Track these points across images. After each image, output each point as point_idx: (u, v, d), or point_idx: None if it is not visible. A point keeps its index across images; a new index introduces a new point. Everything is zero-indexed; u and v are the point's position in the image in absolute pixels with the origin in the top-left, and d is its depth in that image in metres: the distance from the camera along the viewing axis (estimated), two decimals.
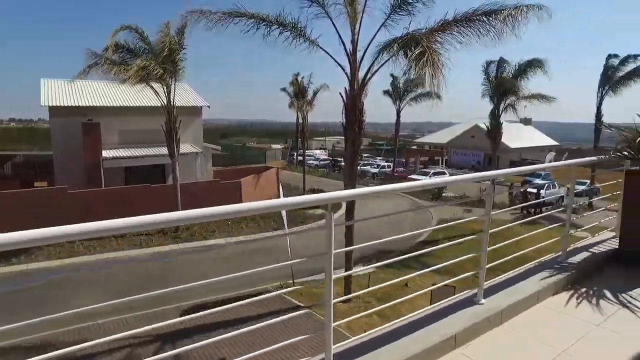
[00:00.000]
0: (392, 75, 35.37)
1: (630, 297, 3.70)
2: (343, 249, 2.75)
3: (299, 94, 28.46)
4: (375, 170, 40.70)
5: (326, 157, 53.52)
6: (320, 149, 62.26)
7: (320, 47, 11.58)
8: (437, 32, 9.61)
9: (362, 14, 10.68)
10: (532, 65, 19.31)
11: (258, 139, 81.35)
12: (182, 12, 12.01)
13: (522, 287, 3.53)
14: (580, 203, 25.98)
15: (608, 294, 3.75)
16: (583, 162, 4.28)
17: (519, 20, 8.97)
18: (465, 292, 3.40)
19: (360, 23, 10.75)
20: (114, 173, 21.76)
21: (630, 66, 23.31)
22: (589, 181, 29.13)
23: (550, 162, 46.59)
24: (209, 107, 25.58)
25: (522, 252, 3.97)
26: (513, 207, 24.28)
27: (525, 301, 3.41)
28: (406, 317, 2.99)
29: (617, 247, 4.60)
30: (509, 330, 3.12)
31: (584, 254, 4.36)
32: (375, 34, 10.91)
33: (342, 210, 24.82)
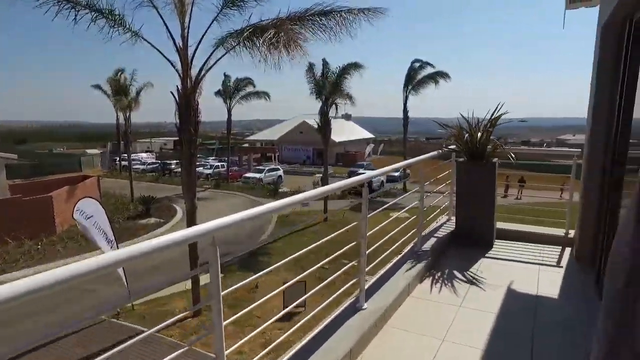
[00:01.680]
0: (225, 74, 34.80)
1: (473, 273, 4.17)
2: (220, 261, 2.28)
3: (120, 92, 25.33)
4: (209, 171, 39.36)
5: (154, 160, 49.45)
6: (147, 151, 57.16)
7: (145, 40, 10.35)
8: (274, 27, 9.52)
9: (192, 5, 9.90)
10: (352, 67, 21.28)
11: (70, 143, 70.07)
12: None
13: (394, 283, 3.62)
14: (397, 187, 29.87)
15: (457, 274, 4.16)
16: (429, 157, 4.67)
17: (350, 21, 9.55)
18: (346, 302, 3.28)
19: (190, 16, 9.95)
20: None
21: (426, 71, 27.93)
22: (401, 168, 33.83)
23: (369, 152, 52.48)
24: None
25: (390, 248, 4.11)
26: (354, 200, 26.37)
27: (400, 296, 3.50)
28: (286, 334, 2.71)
29: (453, 228, 5.21)
30: (394, 330, 3.13)
31: (432, 240, 4.78)
32: (208, 29, 10.27)
33: (178, 217, 23.32)
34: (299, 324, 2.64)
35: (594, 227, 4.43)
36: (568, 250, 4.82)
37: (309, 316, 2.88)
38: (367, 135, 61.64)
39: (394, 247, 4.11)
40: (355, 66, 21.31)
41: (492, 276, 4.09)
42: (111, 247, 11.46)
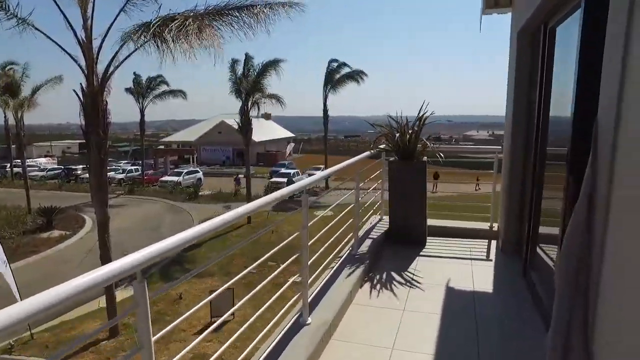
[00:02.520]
0: (135, 73, 32.55)
1: (411, 273, 4.17)
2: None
3: (9, 89, 22.38)
4: (122, 176, 36.63)
5: (55, 165, 44.79)
6: (46, 156, 51.54)
7: (36, 29, 9.14)
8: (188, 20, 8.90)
9: None
10: (273, 65, 20.94)
11: None
12: None
13: (336, 292, 3.46)
14: (320, 186, 30.13)
15: (396, 276, 4.12)
16: (363, 157, 4.59)
17: (268, 16, 9.26)
18: (290, 318, 3.05)
19: (94, 5, 8.96)
20: None
21: (343, 71, 28.52)
22: (323, 166, 34.25)
23: (290, 151, 52.43)
24: None
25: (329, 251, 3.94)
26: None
27: (343, 306, 3.34)
28: None
29: (387, 228, 5.21)
30: (341, 344, 2.97)
31: (368, 241, 4.71)
32: (114, 21, 9.33)
33: (87, 228, 21.25)
34: (232, 339, 2.31)
35: (517, 220, 4.67)
36: (494, 243, 5.04)
37: (243, 327, 2.57)
38: (287, 134, 61.61)
39: (333, 252, 3.97)
40: (276, 63, 21.01)
41: (430, 275, 4.11)
42: (6, 267, 9.98)
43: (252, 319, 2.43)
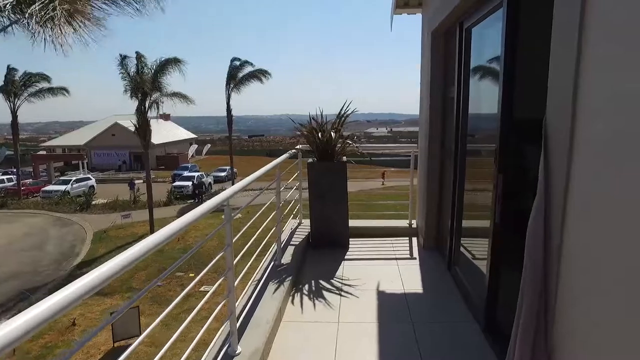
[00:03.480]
0: (9, 67, 28.28)
1: (339, 280, 3.99)
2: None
3: None
4: None
5: None
6: None
7: None
8: None
9: None
10: (172, 62, 19.55)
11: None
12: None
13: (264, 311, 3.11)
14: (225, 187, 29.09)
15: (325, 284, 3.91)
16: (284, 159, 4.30)
17: None
18: (216, 347, 2.64)
19: None
20: None
21: (246, 69, 27.76)
22: (228, 167, 33.23)
23: (192, 153, 50.00)
24: None
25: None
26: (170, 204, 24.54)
27: (274, 327, 3.02)
28: None
29: (308, 233, 4.98)
30: None
31: (291, 249, 4.44)
32: None
33: None
34: None
35: (436, 216, 4.75)
36: (415, 240, 5.09)
37: (159, 355, 2.14)
38: (189, 135, 58.71)
39: (259, 266, 3.61)
40: (175, 61, 19.67)
41: (359, 280, 3.97)
42: None
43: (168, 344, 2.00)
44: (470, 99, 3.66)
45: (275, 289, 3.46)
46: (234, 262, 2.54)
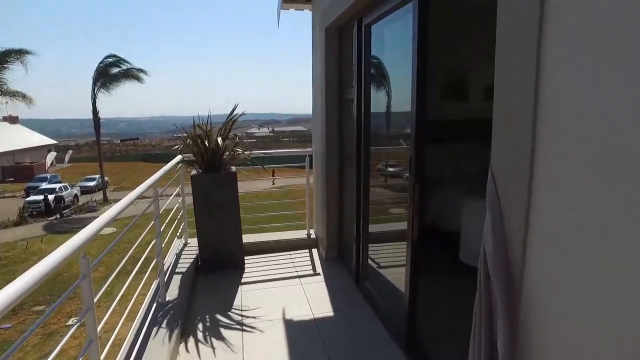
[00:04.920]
0: None
1: (238, 311, 3.45)
2: None
3: None
4: None
5: None
6: None
7: None
8: None
9: None
10: (13, 54, 16.34)
11: None
12: None
13: None
14: (95, 200, 25.96)
15: (223, 318, 3.32)
16: (168, 168, 3.58)
17: None
18: None
19: None
20: None
21: (119, 68, 24.70)
22: (98, 176, 29.60)
23: (51, 161, 43.58)
24: None
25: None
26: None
27: None
28: None
29: (196, 255, 4.31)
30: None
31: (177, 278, 3.73)
32: None
33: None
34: None
35: (337, 226, 4.47)
36: (315, 252, 4.75)
37: None
38: (46, 140, 51.01)
39: (141, 308, 2.87)
40: (19, 53, 16.54)
41: (261, 308, 3.46)
42: None
43: None
44: (372, 100, 3.41)
45: (165, 335, 2.78)
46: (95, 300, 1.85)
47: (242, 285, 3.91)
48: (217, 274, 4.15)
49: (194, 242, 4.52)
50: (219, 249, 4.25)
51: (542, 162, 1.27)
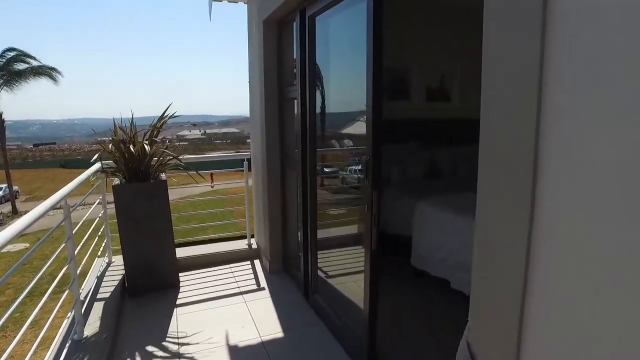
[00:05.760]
0: None
1: (174, 339, 3.02)
2: None
3: None
4: None
5: None
6: None
7: None
8: None
9: None
10: None
11: None
12: None
13: None
14: (1, 212, 23.25)
15: (157, 352, 2.88)
16: (85, 177, 3.03)
17: None
18: None
19: None
20: None
21: (25, 65, 22.11)
22: (4, 185, 26.55)
23: None
24: None
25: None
26: None
27: None
28: None
29: (122, 276, 3.78)
30: None
31: (99, 306, 3.20)
32: None
33: None
34: None
35: (281, 234, 4.16)
36: (258, 264, 4.39)
37: None
38: None
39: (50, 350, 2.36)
40: None
41: (201, 333, 3.06)
42: None
43: None
44: (318, 98, 3.14)
45: None
46: None
47: (177, 308, 3.47)
48: (147, 296, 3.66)
49: (119, 259, 3.97)
50: (149, 267, 3.75)
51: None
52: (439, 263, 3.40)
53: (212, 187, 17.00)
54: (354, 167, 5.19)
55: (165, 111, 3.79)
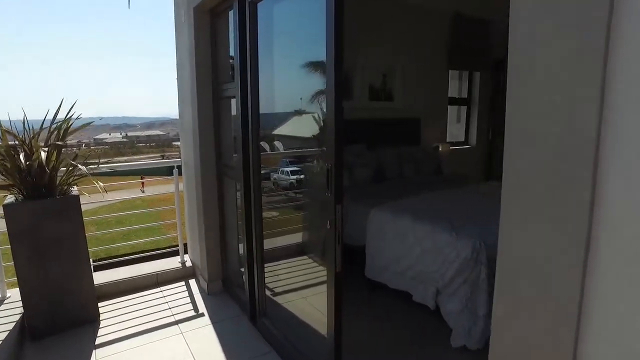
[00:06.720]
0: None
1: None
2: None
3: None
4: None
5: None
6: None
7: None
8: None
9: None
10: None
11: None
12: None
13: None
14: None
15: None
16: None
17: None
18: None
19: None
20: None
21: None
22: None
23: None
24: None
25: None
26: None
27: None
28: None
29: (22, 315, 3.09)
30: None
31: None
32: None
33: None
34: None
35: (219, 249, 3.70)
36: (194, 284, 3.88)
37: None
38: None
39: None
40: None
41: None
42: None
43: None
44: (261, 96, 2.75)
45: None
46: None
47: (97, 350, 2.87)
48: (56, 337, 3.01)
49: (16, 294, 3.26)
50: (57, 301, 3.09)
51: None
52: (398, 275, 3.16)
53: (143, 191, 15.67)
54: (285, 169, 4.87)
55: (58, 109, 3.10)
